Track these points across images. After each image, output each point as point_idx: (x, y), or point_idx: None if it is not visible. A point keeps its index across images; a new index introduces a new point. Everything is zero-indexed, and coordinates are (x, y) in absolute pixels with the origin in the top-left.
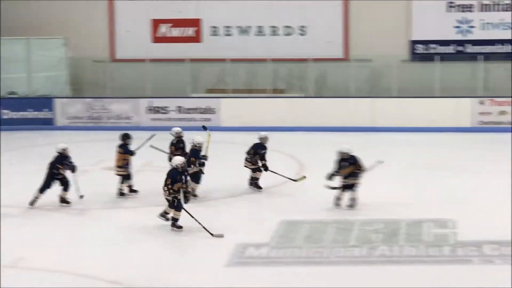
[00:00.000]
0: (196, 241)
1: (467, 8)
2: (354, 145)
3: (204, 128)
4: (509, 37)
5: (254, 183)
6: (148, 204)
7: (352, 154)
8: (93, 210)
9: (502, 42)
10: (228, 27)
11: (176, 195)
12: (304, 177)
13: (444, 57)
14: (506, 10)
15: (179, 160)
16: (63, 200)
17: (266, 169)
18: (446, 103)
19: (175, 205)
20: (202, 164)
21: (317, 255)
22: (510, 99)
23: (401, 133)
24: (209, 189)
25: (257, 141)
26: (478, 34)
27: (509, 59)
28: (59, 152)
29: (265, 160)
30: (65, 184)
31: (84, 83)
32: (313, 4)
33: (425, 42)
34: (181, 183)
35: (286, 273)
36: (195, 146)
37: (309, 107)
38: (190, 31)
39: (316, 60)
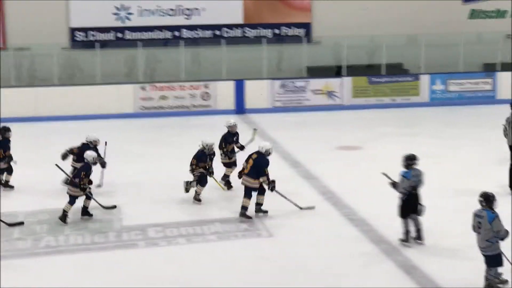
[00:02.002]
0: None
1: None
2: (16, 135)
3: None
4: (166, 23)
5: (227, 181)
6: None
7: None
8: None
9: (160, 28)
10: None
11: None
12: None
13: (105, 44)
14: None
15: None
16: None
17: (242, 148)
18: (108, 89)
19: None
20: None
21: None
22: (171, 84)
23: (65, 122)
24: None
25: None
26: (136, 20)
27: (168, 45)
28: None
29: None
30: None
31: None
32: None
33: (85, 30)
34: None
35: None
36: (204, 147)
37: None
38: None
39: None
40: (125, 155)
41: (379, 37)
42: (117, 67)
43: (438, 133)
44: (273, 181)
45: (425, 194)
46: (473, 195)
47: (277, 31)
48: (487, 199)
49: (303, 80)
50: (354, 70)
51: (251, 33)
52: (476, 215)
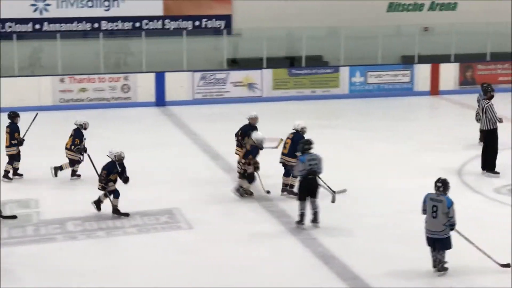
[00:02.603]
0: None
1: None
2: None
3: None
4: (85, 15)
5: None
6: None
7: None
8: None
9: (79, 20)
10: None
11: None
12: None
13: (22, 35)
14: None
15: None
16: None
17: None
18: (26, 82)
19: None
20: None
21: None
22: (89, 76)
23: None
24: None
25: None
26: (54, 12)
27: (87, 37)
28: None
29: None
30: None
31: None
32: None
33: (2, 21)
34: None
35: None
36: (254, 142)
37: None
38: None
39: None
40: (44, 148)
41: (299, 29)
42: (35, 59)
43: (357, 124)
44: None
45: (347, 183)
46: (391, 184)
47: (197, 23)
48: (446, 185)
49: (223, 72)
50: (274, 62)
51: (171, 25)
52: (432, 199)
